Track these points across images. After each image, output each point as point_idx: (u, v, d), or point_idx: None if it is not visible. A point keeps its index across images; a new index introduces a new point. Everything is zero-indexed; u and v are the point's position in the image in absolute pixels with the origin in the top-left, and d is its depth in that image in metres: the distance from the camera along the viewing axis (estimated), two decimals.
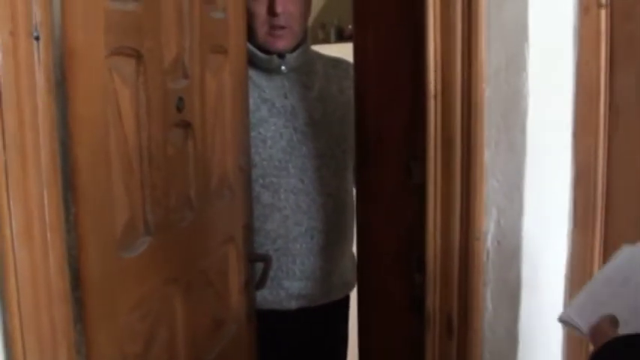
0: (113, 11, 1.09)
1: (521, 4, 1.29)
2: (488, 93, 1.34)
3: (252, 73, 1.92)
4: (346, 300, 2.20)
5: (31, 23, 0.92)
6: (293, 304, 2.02)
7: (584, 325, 0.98)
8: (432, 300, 1.43)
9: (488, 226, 1.37)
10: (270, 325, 1.96)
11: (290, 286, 2.00)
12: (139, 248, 1.19)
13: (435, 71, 1.38)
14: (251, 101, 1.87)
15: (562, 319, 1.02)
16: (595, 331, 0.96)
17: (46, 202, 0.96)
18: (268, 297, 1.98)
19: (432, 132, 1.40)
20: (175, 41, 1.27)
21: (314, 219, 1.98)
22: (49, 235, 0.97)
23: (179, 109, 1.28)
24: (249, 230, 1.71)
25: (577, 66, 1.35)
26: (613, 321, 0.97)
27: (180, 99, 1.29)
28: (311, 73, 2.04)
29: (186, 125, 1.34)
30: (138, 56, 1.16)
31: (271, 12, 1.88)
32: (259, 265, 1.81)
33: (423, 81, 1.39)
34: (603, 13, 1.32)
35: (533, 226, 1.34)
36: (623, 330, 0.95)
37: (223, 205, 1.54)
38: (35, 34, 0.92)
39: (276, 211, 1.95)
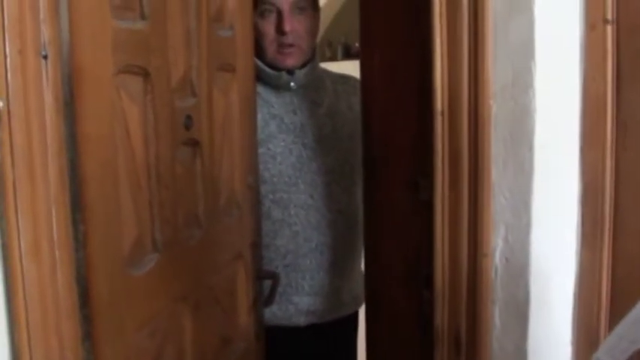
0: (120, 30, 1.10)
1: (527, 21, 1.30)
2: (495, 110, 1.35)
3: (261, 90, 1.94)
4: (355, 316, 2.19)
5: (40, 42, 0.92)
6: (302, 320, 2.01)
7: None
8: (441, 317, 1.43)
9: (496, 242, 1.37)
10: (279, 341, 1.96)
11: (299, 301, 1.99)
12: (147, 266, 1.19)
13: (442, 88, 1.39)
14: (260, 117, 1.88)
15: None
16: None
17: (54, 219, 0.96)
18: (277, 313, 1.98)
19: (440, 149, 1.40)
20: (183, 59, 1.28)
21: (324, 235, 1.98)
22: (57, 252, 0.97)
23: (187, 127, 1.29)
24: (258, 248, 1.71)
25: (584, 82, 1.35)
26: None
27: (188, 117, 1.29)
28: (320, 89, 2.05)
29: (195, 143, 1.34)
30: (145, 74, 1.17)
31: (279, 31, 1.89)
32: (268, 283, 1.81)
33: (430, 98, 1.40)
34: (609, 29, 1.32)
35: (542, 243, 1.34)
36: None
37: (231, 223, 1.54)
38: (43, 52, 0.93)
39: (286, 227, 1.95)
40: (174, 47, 1.24)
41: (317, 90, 2.04)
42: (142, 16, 1.15)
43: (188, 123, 1.29)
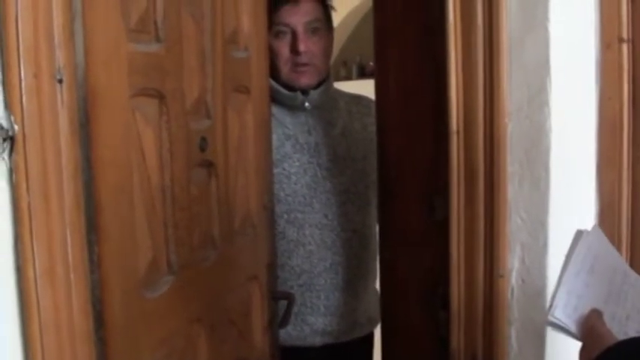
0: (135, 53, 1.10)
1: (542, 40, 1.30)
2: (511, 129, 1.34)
3: (276, 110, 1.95)
4: (371, 336, 2.18)
5: (55, 66, 0.93)
6: (317, 341, 2.01)
7: (573, 324, 1.03)
8: (457, 338, 1.41)
9: (513, 263, 1.36)
10: None
11: (315, 321, 1.99)
12: (163, 288, 1.19)
13: (457, 107, 1.38)
14: (275, 138, 1.89)
15: (551, 323, 1.05)
16: (587, 331, 1.01)
17: (69, 243, 0.96)
18: (292, 333, 1.97)
19: (455, 168, 1.40)
20: (198, 82, 1.28)
21: (338, 254, 1.98)
22: (72, 275, 0.97)
23: (202, 149, 1.29)
24: (273, 269, 1.70)
25: (600, 101, 1.35)
26: (599, 315, 1.03)
27: (203, 139, 1.29)
28: (334, 109, 2.06)
29: (210, 165, 1.35)
30: (160, 97, 1.17)
31: (294, 51, 1.90)
32: (283, 303, 1.80)
33: (445, 117, 1.39)
34: (625, 47, 1.32)
35: (559, 264, 1.32)
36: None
37: (247, 244, 1.54)
38: (58, 76, 0.93)
39: (300, 247, 1.95)
40: (189, 69, 1.25)
41: (331, 110, 2.05)
42: (157, 39, 1.16)
43: (203, 145, 1.29)
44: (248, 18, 1.51)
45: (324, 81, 2.02)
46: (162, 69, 1.17)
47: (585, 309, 1.04)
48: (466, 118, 1.38)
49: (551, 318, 1.04)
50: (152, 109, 1.16)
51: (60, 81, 0.94)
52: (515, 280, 1.36)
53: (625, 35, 1.32)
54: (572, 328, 1.03)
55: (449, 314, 1.42)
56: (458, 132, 1.39)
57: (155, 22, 1.16)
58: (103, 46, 1.03)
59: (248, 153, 1.53)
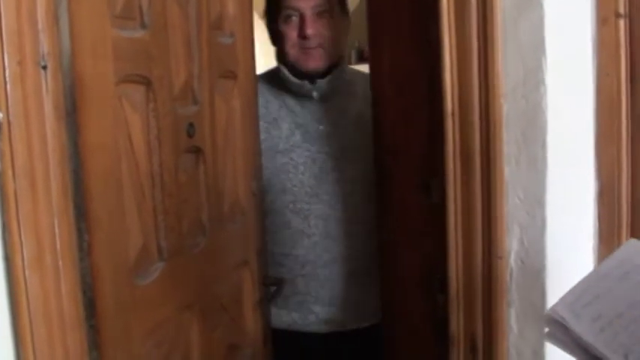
0: (121, 39, 1.10)
1: (537, 18, 1.27)
2: (507, 108, 1.32)
3: (287, 99, 1.95)
4: (380, 326, 2.15)
5: (39, 53, 0.92)
6: (323, 328, 1.99)
7: (575, 321, 0.92)
8: (456, 321, 1.40)
9: (511, 244, 1.34)
10: (300, 347, 1.95)
11: (320, 311, 1.98)
12: (153, 275, 1.19)
13: (452, 89, 1.36)
14: (286, 127, 1.90)
15: (548, 319, 0.95)
16: None
17: (57, 230, 0.96)
18: (298, 320, 1.97)
19: (451, 150, 1.38)
20: (184, 67, 1.28)
21: (344, 245, 1.95)
22: (60, 262, 0.97)
23: (190, 135, 1.29)
24: (263, 254, 1.70)
25: (597, 78, 1.32)
26: None
27: (191, 125, 1.29)
28: (349, 95, 2.01)
29: (197, 151, 1.34)
30: (147, 83, 1.16)
31: (302, 34, 1.87)
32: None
33: (440, 99, 1.38)
34: (622, 23, 1.29)
35: (558, 244, 1.31)
36: (611, 327, 0.91)
37: (236, 230, 1.53)
38: (43, 63, 0.93)
39: (305, 237, 1.93)
40: (175, 55, 1.24)
41: (346, 97, 2.01)
42: (143, 25, 1.15)
43: (190, 130, 1.29)
44: (233, 3, 1.51)
45: (336, 66, 1.97)
46: (148, 55, 1.17)
47: (597, 312, 0.93)
48: (461, 99, 1.36)
49: (549, 311, 0.95)
50: (139, 95, 1.15)
51: (44, 67, 0.94)
52: (514, 262, 1.34)
53: (622, 10, 1.29)
54: (573, 325, 0.92)
55: (447, 297, 1.41)
56: (453, 114, 1.37)
57: (140, 8, 1.15)
58: (88, 33, 1.03)
59: (235, 139, 1.52)
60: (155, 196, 1.19)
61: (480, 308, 1.37)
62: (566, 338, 0.92)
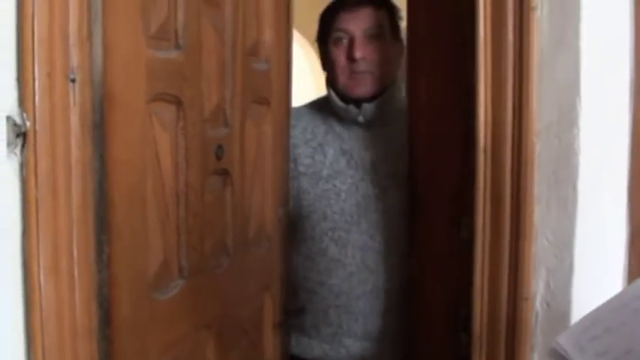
0: (154, 58, 1.13)
1: (573, 58, 1.26)
2: (539, 148, 1.30)
3: (334, 124, 1.93)
4: None
5: (68, 66, 0.95)
6: None
7: (576, 352, 0.87)
8: None
9: (537, 286, 1.31)
10: None
11: (352, 345, 1.93)
12: (172, 291, 1.20)
13: (485, 124, 1.36)
14: (332, 152, 1.87)
15: (552, 351, 0.91)
16: None
17: (75, 239, 0.98)
18: (329, 353, 1.93)
19: (482, 186, 1.37)
20: (216, 90, 1.30)
21: (382, 279, 1.89)
22: (76, 271, 0.98)
23: (218, 157, 1.30)
24: (286, 281, 1.70)
25: (633, 122, 1.30)
26: None
27: (220, 147, 1.31)
28: (399, 123, 1.91)
29: (225, 173, 1.36)
30: (178, 103, 1.19)
31: (350, 57, 1.84)
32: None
33: (473, 134, 1.37)
34: None
35: (585, 288, 1.28)
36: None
37: (260, 255, 1.54)
38: (72, 76, 0.96)
39: (340, 267, 1.88)
40: (208, 78, 1.27)
41: (395, 124, 1.92)
42: (177, 47, 1.18)
43: (219, 152, 1.30)
44: (270, 30, 1.53)
45: (387, 91, 1.91)
46: (181, 76, 1.19)
47: (603, 347, 0.88)
48: (494, 136, 1.35)
49: (553, 344, 0.92)
50: (169, 114, 1.18)
51: (73, 80, 0.97)
52: (540, 304, 1.31)
53: None
54: (577, 358, 0.87)
55: (470, 337, 1.38)
56: (485, 150, 1.36)
57: (176, 30, 1.18)
58: (121, 50, 1.06)
59: (265, 164, 1.53)
60: (179, 215, 1.21)
61: (502, 350, 1.34)
62: None
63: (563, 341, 0.90)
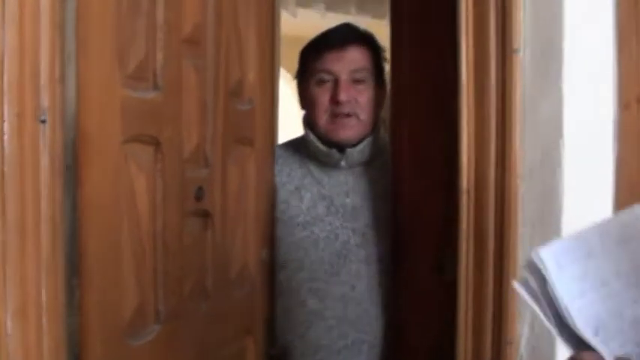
0: (131, 99, 1.12)
1: (556, 100, 1.26)
2: (523, 189, 1.29)
3: (312, 167, 1.83)
4: None
5: (39, 107, 0.94)
6: None
7: (554, 269, 0.78)
8: None
9: (522, 329, 1.29)
10: None
11: None
12: (148, 336, 1.17)
13: (468, 166, 1.35)
14: (309, 197, 1.79)
15: (530, 262, 0.80)
16: None
17: (43, 284, 0.95)
18: None
19: (464, 228, 1.35)
20: (197, 131, 1.28)
21: (363, 331, 1.78)
22: (44, 318, 0.96)
23: (198, 198, 1.28)
24: (269, 325, 1.66)
25: (617, 164, 1.29)
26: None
27: (200, 188, 1.29)
28: (383, 165, 1.85)
29: (206, 214, 1.34)
30: (156, 144, 1.17)
31: (334, 100, 1.76)
32: None
33: (456, 175, 1.36)
34: None
35: None
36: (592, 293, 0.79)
37: (242, 297, 1.51)
38: (42, 117, 0.94)
39: (320, 320, 1.77)
40: (188, 118, 1.25)
41: (378, 167, 1.85)
42: (155, 87, 1.17)
43: (199, 193, 1.28)
44: (254, 69, 1.51)
45: (369, 135, 1.82)
46: (160, 116, 1.18)
47: (583, 271, 0.80)
48: (477, 177, 1.34)
49: (531, 254, 0.79)
50: (146, 155, 1.16)
51: (43, 121, 0.95)
52: (525, 348, 1.29)
53: None
54: (553, 277, 0.77)
55: None
56: (468, 191, 1.35)
57: (154, 70, 1.17)
58: (96, 90, 1.05)
59: (248, 205, 1.51)
60: (156, 257, 1.18)
61: None
62: (538, 290, 0.80)
63: (545, 255, 0.79)
